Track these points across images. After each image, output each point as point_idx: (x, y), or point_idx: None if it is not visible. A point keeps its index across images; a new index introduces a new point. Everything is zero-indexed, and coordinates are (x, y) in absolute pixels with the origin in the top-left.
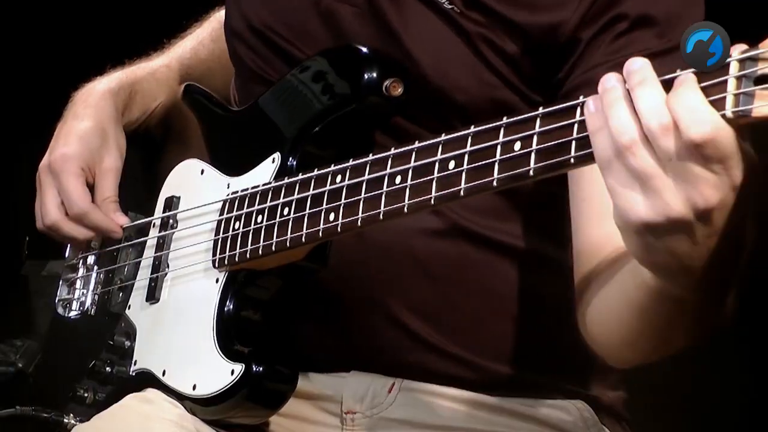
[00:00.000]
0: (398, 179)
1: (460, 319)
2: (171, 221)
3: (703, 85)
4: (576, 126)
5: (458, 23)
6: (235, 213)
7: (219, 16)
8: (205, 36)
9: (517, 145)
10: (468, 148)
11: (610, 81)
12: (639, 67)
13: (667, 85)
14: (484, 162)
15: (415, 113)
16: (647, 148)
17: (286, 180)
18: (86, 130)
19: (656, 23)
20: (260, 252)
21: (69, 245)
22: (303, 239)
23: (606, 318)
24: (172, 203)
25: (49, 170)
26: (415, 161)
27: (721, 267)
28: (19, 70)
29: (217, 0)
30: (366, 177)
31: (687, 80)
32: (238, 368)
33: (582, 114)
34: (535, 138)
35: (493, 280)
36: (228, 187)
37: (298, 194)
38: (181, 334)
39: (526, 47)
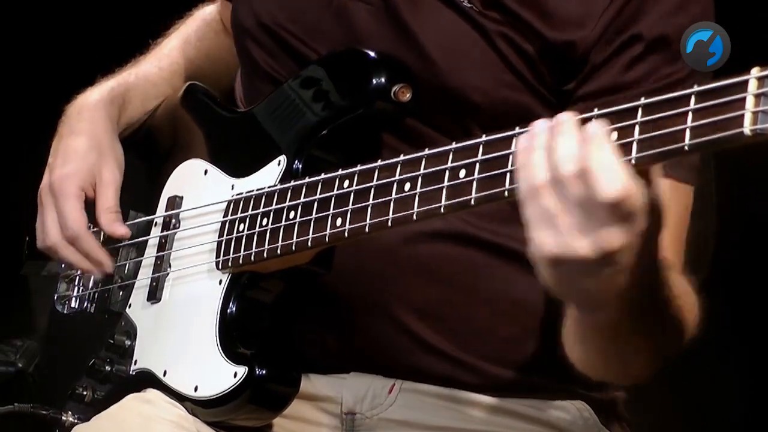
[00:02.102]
0: (407, 186)
1: (462, 322)
2: (173, 221)
3: (611, 127)
4: None
5: (477, 21)
6: (239, 215)
7: (202, 13)
8: (190, 34)
9: None
10: (479, 157)
11: (538, 126)
12: (564, 120)
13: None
14: (495, 172)
15: (430, 115)
16: (557, 191)
17: (293, 183)
18: (83, 147)
19: (670, 45)
20: (265, 255)
21: None
22: (309, 244)
23: (566, 344)
24: (174, 203)
25: (49, 191)
26: (424, 168)
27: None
28: (17, 72)
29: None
30: (374, 183)
31: (598, 134)
32: (241, 371)
33: None
34: None
35: (496, 285)
36: (232, 189)
37: (304, 198)
38: (182, 335)
39: (543, 51)
